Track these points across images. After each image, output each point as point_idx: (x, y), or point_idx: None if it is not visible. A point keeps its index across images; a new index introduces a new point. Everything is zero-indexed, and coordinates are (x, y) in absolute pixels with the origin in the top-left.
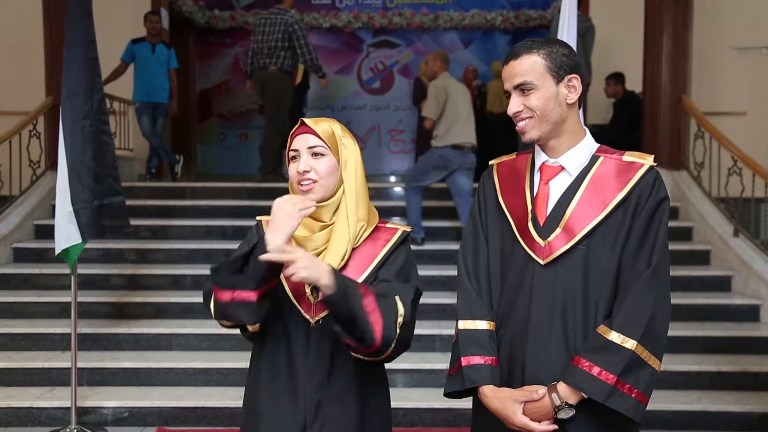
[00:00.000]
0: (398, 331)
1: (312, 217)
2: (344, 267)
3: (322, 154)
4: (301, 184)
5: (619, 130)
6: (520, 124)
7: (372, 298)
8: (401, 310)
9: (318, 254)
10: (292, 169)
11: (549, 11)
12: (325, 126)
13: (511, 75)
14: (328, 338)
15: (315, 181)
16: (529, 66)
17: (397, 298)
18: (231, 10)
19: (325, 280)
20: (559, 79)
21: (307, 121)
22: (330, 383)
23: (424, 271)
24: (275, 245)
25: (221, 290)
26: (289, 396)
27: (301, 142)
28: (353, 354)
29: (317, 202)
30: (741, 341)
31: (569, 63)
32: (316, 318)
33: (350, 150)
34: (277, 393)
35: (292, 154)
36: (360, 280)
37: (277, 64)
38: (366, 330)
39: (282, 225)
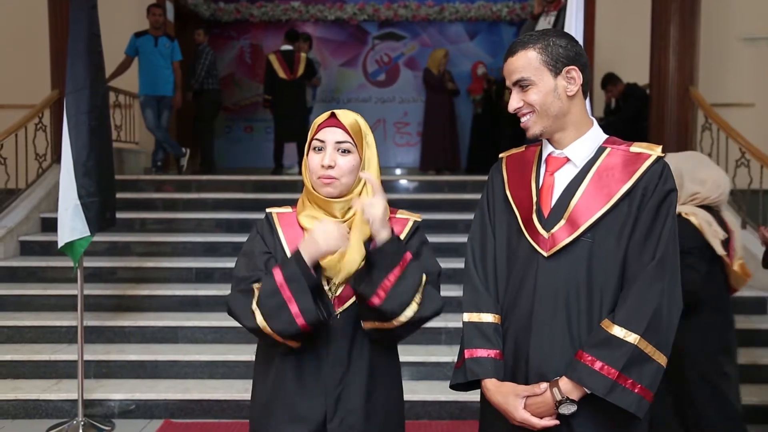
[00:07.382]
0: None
1: (324, 210)
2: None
3: (349, 151)
4: (322, 178)
5: (622, 122)
6: (523, 120)
7: (409, 259)
8: (417, 298)
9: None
10: (315, 160)
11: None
12: (353, 121)
13: (509, 72)
14: (348, 332)
15: (336, 178)
16: (525, 62)
17: (424, 276)
18: (236, 2)
19: (388, 231)
20: (556, 72)
21: (337, 113)
22: (349, 376)
23: None
24: (330, 247)
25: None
26: (310, 390)
27: (328, 135)
28: (368, 324)
29: (333, 198)
30: (748, 333)
31: (566, 54)
32: (336, 312)
33: (372, 148)
34: (298, 387)
35: (316, 144)
36: None
37: None
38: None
39: (327, 239)
